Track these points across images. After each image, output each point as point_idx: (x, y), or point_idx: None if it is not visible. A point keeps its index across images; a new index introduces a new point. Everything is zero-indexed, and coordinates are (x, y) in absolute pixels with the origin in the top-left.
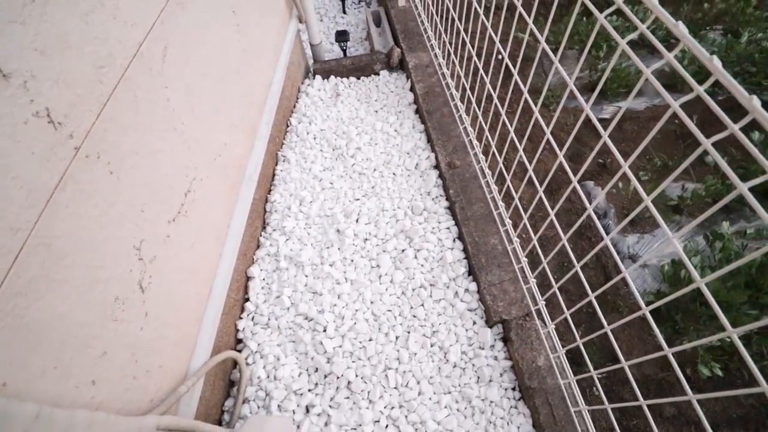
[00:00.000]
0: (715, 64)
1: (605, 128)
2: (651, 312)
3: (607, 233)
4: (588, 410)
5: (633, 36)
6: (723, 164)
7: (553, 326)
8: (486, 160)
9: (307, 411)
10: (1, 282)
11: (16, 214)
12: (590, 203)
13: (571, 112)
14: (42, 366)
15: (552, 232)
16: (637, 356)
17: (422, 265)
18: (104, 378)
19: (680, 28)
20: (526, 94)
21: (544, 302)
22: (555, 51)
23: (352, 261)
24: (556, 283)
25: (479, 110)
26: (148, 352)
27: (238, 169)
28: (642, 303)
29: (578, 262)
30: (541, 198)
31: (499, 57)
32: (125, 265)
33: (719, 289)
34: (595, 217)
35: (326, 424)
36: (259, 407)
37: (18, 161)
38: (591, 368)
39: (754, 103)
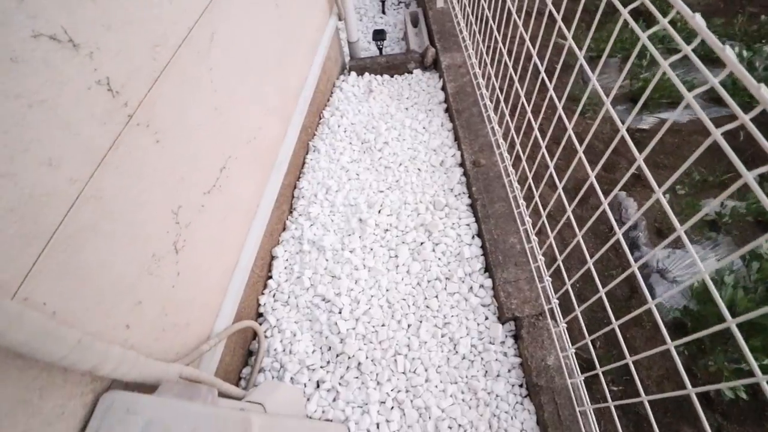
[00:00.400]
0: (762, 93)
1: (644, 139)
2: (675, 328)
3: (636, 245)
4: (592, 409)
5: (676, 58)
6: (762, 197)
7: (565, 325)
8: (511, 160)
9: (318, 386)
10: (59, 223)
11: (76, 166)
12: (621, 214)
13: (608, 121)
14: (86, 303)
15: (572, 234)
16: (657, 372)
17: (439, 259)
18: (137, 325)
19: (727, 54)
20: (555, 99)
21: (557, 301)
22: (597, 59)
23: (371, 249)
24: (570, 280)
25: (506, 109)
26: (177, 309)
27: (270, 154)
28: (667, 338)
29: (592, 259)
30: (561, 197)
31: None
32: (163, 227)
33: (752, 310)
34: (623, 241)
35: (334, 400)
36: (273, 377)
37: (80, 121)
38: (597, 365)
39: None
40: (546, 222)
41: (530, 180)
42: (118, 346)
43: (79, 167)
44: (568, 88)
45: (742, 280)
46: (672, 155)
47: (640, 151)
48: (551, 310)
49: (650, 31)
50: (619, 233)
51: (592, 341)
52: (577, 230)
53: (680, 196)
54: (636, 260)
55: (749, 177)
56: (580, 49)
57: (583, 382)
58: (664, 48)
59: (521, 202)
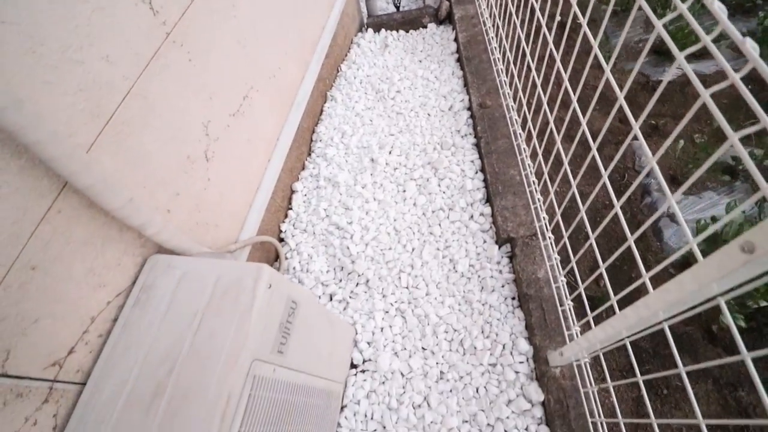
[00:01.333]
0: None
1: (666, 91)
2: (682, 268)
3: (649, 193)
4: (571, 307)
5: (694, 49)
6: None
7: (552, 236)
8: (515, 100)
9: (331, 298)
10: (115, 110)
11: (127, 66)
12: (636, 162)
13: (627, 74)
14: (135, 182)
15: (575, 172)
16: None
17: (443, 192)
18: (176, 212)
19: (748, 47)
20: (553, 51)
21: (546, 216)
22: (623, 12)
23: (381, 185)
24: (561, 208)
25: (511, 53)
26: (207, 210)
27: (289, 94)
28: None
29: (576, 180)
30: (556, 130)
31: (559, 18)
32: (195, 135)
33: None
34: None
35: (344, 308)
36: None
37: (130, 30)
38: (579, 282)
39: None
40: (537, 146)
41: (525, 112)
42: (161, 215)
43: (129, 68)
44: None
45: (754, 221)
46: (690, 106)
47: (662, 103)
48: (541, 227)
49: (667, 18)
50: (606, 175)
51: (586, 270)
52: (564, 157)
53: (698, 144)
54: (647, 206)
55: (767, 119)
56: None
57: (566, 284)
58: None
59: (520, 133)
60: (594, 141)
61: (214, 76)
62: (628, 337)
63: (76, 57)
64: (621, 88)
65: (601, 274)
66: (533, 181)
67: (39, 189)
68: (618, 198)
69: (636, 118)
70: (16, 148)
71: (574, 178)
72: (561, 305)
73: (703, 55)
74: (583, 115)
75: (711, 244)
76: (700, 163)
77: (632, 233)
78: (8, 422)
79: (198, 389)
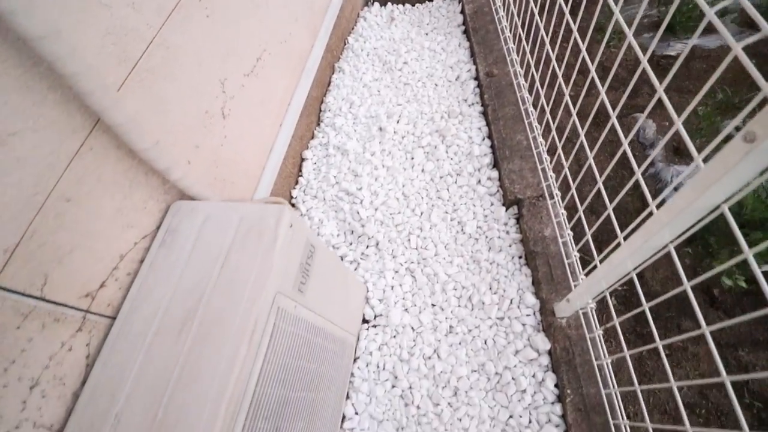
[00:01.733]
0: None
1: (669, 66)
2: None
3: (652, 163)
4: (578, 258)
5: (723, 5)
6: None
7: (559, 193)
8: (522, 65)
9: (342, 260)
10: (140, 57)
11: (150, 15)
12: (640, 135)
13: (632, 49)
14: (160, 128)
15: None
16: (662, 275)
17: (451, 158)
18: (196, 164)
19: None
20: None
21: (553, 175)
22: None
23: (389, 153)
24: (568, 161)
25: (519, 21)
26: (224, 166)
27: (299, 60)
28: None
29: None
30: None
31: None
32: (213, 91)
33: (757, 208)
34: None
35: (355, 269)
36: None
37: None
38: (587, 231)
39: None
40: (547, 109)
41: (533, 75)
42: (185, 162)
43: (152, 17)
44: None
45: (759, 190)
46: (698, 80)
47: (663, 77)
48: (548, 186)
49: None
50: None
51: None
52: (572, 109)
53: (700, 116)
54: (651, 177)
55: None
56: None
57: (572, 237)
58: None
59: (527, 96)
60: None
61: (230, 34)
62: (634, 269)
63: (105, 2)
64: (627, 61)
65: (608, 217)
66: (541, 142)
67: (72, 125)
68: (617, 169)
69: (640, 91)
70: (52, 82)
71: (581, 133)
72: (568, 258)
73: (704, 30)
74: (591, 85)
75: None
76: (704, 134)
77: (636, 204)
78: (47, 345)
79: (226, 316)
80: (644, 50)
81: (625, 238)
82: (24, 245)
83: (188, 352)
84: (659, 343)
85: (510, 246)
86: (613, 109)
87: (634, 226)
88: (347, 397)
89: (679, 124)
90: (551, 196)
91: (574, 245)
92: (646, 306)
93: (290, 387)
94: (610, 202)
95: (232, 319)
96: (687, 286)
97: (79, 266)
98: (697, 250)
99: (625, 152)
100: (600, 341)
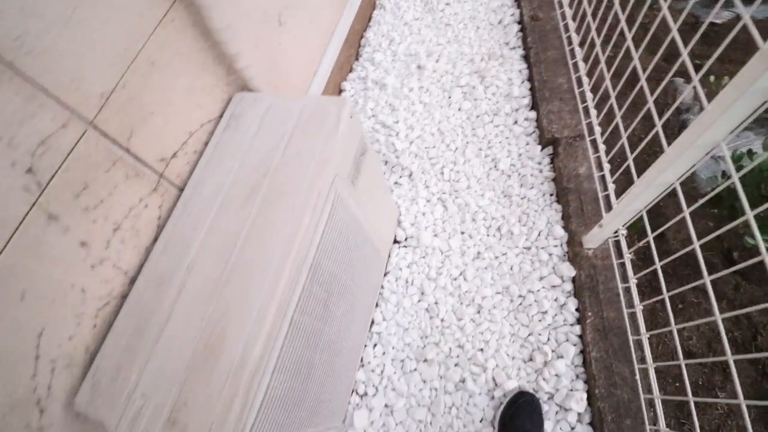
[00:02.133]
0: None
1: (714, 34)
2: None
3: (686, 127)
4: (613, 190)
5: None
6: None
7: (599, 129)
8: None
9: None
10: None
11: None
12: (677, 98)
13: (679, 13)
14: (230, 12)
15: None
16: (684, 235)
17: (489, 99)
18: (255, 65)
19: None
20: None
21: (595, 111)
22: None
23: (428, 90)
24: (613, 99)
25: None
26: (278, 73)
27: None
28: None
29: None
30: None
31: None
32: None
33: None
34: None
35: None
36: None
37: None
38: (629, 153)
39: None
40: (601, 54)
41: (585, 10)
42: (251, 48)
43: None
44: None
45: None
46: (741, 50)
47: (707, 45)
48: (589, 124)
49: None
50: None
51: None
52: (633, 51)
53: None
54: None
55: None
56: None
57: (609, 171)
58: None
59: (573, 36)
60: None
61: None
62: (678, 179)
63: None
64: (685, 25)
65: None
66: (585, 80)
67: None
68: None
69: (679, 57)
70: None
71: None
72: (605, 190)
73: None
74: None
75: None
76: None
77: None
78: (128, 196)
79: (290, 190)
80: (688, 16)
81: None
82: (117, 94)
83: (254, 218)
84: (665, 295)
85: (542, 183)
86: (644, 71)
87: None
88: (376, 305)
89: (696, 81)
90: (591, 133)
91: (610, 176)
92: (687, 212)
93: (338, 266)
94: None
95: (296, 193)
96: (696, 244)
97: (158, 130)
98: (722, 214)
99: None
100: (628, 263)
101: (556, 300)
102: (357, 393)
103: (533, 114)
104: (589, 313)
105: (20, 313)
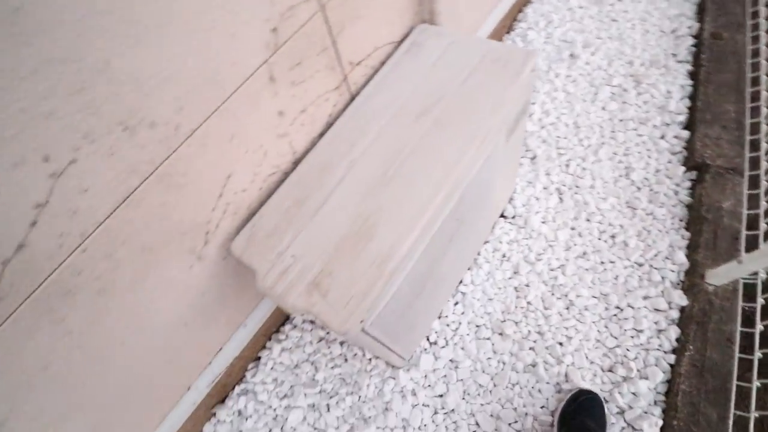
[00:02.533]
0: None
1: None
2: None
3: None
4: (765, 231)
5: None
6: None
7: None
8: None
9: None
10: None
11: None
12: None
13: None
14: None
15: None
16: None
17: (639, 106)
18: None
19: None
20: None
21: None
22: None
23: (574, 80)
24: None
25: None
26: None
27: None
28: None
29: None
30: None
31: None
32: None
33: None
34: None
35: None
36: None
37: None
38: None
39: None
40: None
41: None
42: None
43: None
44: None
45: None
46: None
47: None
48: (753, 158)
49: None
50: None
51: None
52: None
53: None
54: None
55: None
56: None
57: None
58: None
59: (763, 63)
60: None
61: None
62: None
63: None
64: None
65: None
66: (763, 111)
67: None
68: None
69: None
70: None
71: None
72: (750, 229)
73: None
74: None
75: None
76: None
77: None
78: (321, 84)
79: (460, 121)
80: None
81: None
82: None
83: (422, 136)
84: None
85: (674, 206)
86: None
87: None
88: (468, 268)
89: None
90: (753, 168)
91: (764, 216)
92: None
93: (468, 209)
94: None
95: (465, 126)
96: None
97: (358, 34)
98: None
99: None
100: (758, 308)
101: (656, 323)
102: (428, 339)
103: (686, 133)
104: (691, 347)
105: (225, 153)
